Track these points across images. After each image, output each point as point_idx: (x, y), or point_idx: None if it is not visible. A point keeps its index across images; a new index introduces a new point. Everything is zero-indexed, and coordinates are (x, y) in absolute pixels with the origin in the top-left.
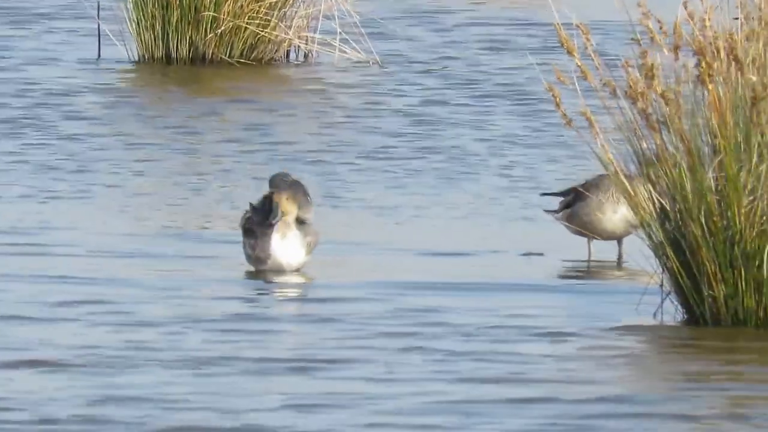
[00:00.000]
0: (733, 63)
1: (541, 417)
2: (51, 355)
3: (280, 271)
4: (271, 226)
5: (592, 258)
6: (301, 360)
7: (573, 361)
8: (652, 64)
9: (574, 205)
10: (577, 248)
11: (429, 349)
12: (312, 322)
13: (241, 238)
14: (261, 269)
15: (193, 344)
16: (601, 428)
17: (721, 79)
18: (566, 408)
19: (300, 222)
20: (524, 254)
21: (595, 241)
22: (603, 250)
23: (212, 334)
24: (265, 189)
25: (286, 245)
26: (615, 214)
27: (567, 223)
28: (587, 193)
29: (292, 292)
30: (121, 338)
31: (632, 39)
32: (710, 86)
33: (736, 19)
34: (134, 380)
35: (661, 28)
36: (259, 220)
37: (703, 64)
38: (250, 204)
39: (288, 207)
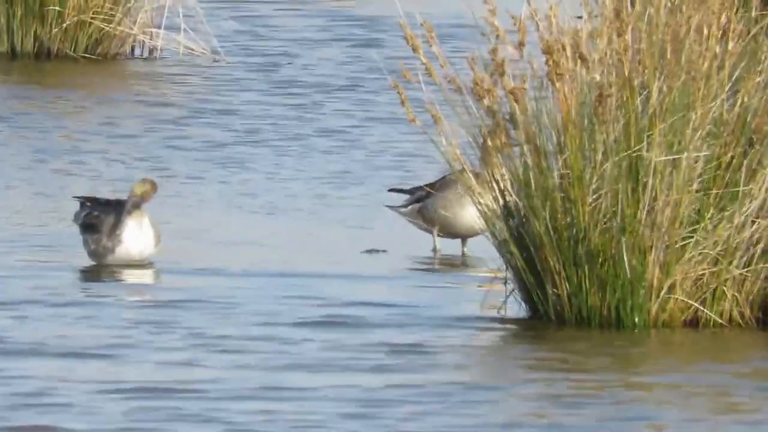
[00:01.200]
0: (579, 61)
1: (361, 403)
2: None
3: (126, 261)
4: (128, 214)
5: (438, 254)
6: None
7: (404, 353)
8: (503, 61)
9: (426, 199)
10: (420, 246)
11: (266, 336)
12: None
13: (79, 235)
14: (105, 263)
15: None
16: (399, 411)
17: (567, 77)
18: (373, 393)
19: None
20: (367, 251)
21: (439, 238)
22: (447, 247)
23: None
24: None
25: (141, 234)
26: (471, 210)
27: (416, 219)
28: (443, 189)
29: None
30: None
31: (482, 35)
32: (557, 84)
33: (579, 17)
34: None
35: (515, 24)
36: (105, 212)
37: (551, 61)
38: (79, 198)
39: (144, 191)
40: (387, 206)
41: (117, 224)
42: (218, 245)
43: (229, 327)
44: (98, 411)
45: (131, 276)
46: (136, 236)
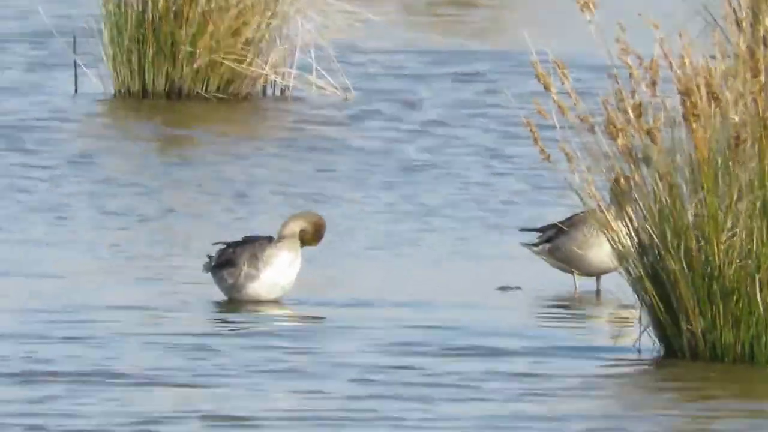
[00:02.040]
0: (713, 101)
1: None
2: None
3: (266, 293)
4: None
5: (571, 291)
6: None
7: (546, 389)
8: (640, 102)
9: (556, 239)
10: (555, 282)
11: (402, 364)
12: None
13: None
14: (244, 296)
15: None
16: None
17: (702, 118)
18: (501, 421)
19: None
20: (501, 288)
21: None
22: (582, 284)
23: None
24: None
25: (292, 266)
26: (601, 249)
27: (548, 258)
28: (573, 228)
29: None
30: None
31: (610, 75)
32: (694, 125)
33: (713, 57)
34: None
35: (641, 63)
36: (241, 246)
37: (689, 103)
38: (210, 258)
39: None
40: (521, 244)
41: (262, 251)
42: (349, 276)
43: (366, 355)
44: None
45: (265, 306)
46: (286, 267)
